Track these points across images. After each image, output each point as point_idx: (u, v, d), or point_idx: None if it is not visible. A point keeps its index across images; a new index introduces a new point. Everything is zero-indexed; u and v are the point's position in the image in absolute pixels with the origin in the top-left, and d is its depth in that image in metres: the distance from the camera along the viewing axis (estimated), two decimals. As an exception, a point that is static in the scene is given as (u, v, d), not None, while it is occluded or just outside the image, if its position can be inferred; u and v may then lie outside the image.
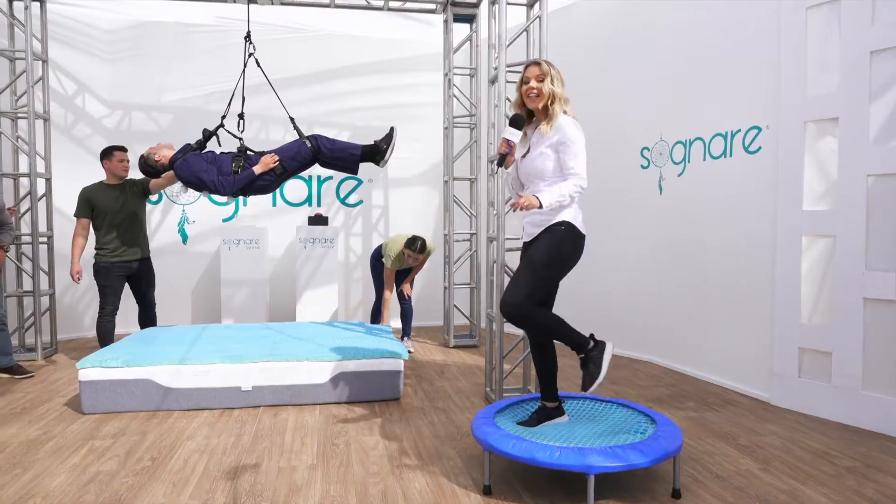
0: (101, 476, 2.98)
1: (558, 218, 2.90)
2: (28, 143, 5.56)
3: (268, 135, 6.88)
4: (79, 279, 4.93)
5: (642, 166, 5.54)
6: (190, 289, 6.97)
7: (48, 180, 5.81)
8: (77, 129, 6.56)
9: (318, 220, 6.57)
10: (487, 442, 2.79)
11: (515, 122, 2.89)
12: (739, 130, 4.53)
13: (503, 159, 2.92)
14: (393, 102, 7.23)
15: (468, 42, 6.30)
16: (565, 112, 2.93)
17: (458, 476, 3.00)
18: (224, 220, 7.02)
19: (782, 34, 4.10)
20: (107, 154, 5.00)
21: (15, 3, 5.67)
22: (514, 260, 4.17)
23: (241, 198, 6.89)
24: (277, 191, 6.98)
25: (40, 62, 5.80)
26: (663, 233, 5.35)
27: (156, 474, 3.01)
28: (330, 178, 7.22)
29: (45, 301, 5.82)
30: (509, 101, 4.00)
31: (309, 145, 4.30)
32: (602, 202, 5.76)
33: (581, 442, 2.77)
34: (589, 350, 2.88)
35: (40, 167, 5.78)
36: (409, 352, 5.78)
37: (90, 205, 4.91)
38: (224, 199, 4.67)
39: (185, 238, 6.95)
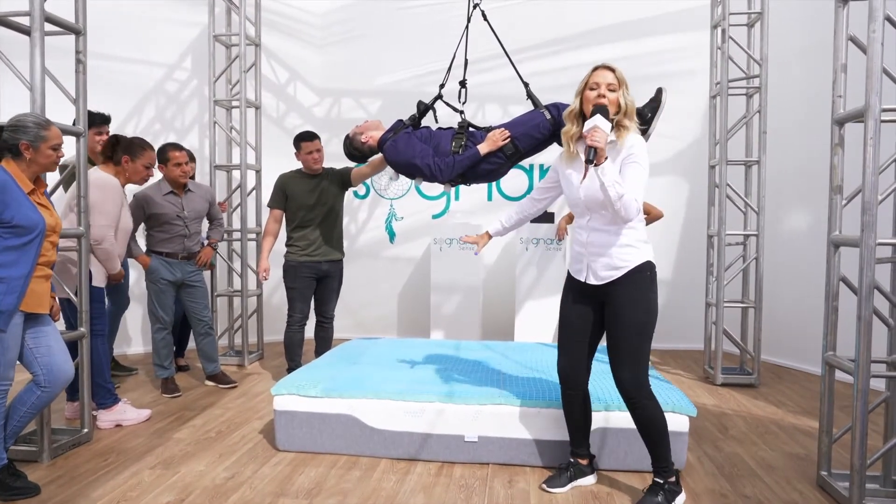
0: (286, 570, 2.12)
1: (641, 258, 2.48)
2: (240, 133, 5.21)
3: (484, 116, 5.94)
4: (265, 277, 4.35)
5: None
6: (396, 293, 6.29)
7: (258, 172, 5.43)
8: (288, 119, 6.20)
9: (543, 217, 5.43)
10: None
11: (604, 112, 2.39)
12: None
13: (596, 153, 2.32)
14: (633, 74, 5.83)
15: (746, -21, 4.75)
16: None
17: None
18: (434, 217, 6.22)
19: None
20: (295, 144, 4.34)
21: (231, -13, 5.37)
22: (885, 275, 2.64)
23: (452, 190, 6.04)
24: (494, 182, 6.01)
25: (254, 47, 5.44)
26: None
27: (357, 578, 2.07)
28: (554, 166, 6.08)
29: (252, 302, 5.45)
30: (891, 23, 2.48)
31: (548, 116, 3.33)
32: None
33: None
34: (670, 479, 2.52)
35: (251, 158, 5.42)
36: None
37: (284, 194, 4.31)
38: (440, 188, 3.76)
39: (392, 236, 6.29)
